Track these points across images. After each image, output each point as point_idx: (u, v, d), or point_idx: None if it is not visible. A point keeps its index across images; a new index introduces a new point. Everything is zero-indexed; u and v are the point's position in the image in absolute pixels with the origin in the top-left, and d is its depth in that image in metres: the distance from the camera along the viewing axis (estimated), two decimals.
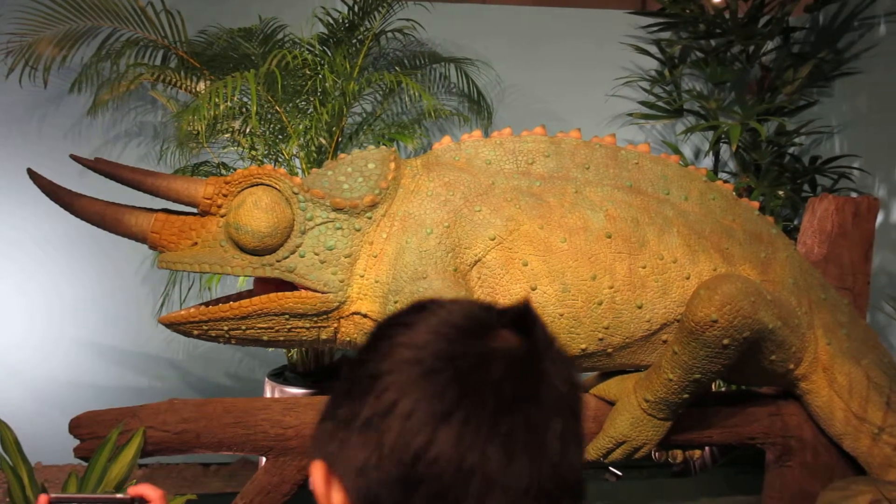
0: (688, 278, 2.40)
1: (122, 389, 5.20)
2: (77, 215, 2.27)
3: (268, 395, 4.12)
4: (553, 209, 2.36)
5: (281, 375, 4.26)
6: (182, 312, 2.29)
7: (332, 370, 4.23)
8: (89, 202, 2.25)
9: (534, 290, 2.27)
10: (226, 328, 2.25)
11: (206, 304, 2.31)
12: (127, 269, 5.05)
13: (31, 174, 2.27)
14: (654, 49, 5.04)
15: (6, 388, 5.14)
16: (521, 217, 2.32)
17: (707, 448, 4.09)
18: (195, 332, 2.28)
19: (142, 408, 2.38)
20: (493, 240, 2.28)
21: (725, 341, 2.16)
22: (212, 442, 2.35)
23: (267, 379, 4.25)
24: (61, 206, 2.27)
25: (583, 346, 2.34)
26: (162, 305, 4.52)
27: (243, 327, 2.24)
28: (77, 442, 2.38)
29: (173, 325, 2.27)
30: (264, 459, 4.29)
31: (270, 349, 4.29)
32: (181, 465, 5.12)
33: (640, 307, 2.36)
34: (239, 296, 2.34)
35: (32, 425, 3.95)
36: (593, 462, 2.53)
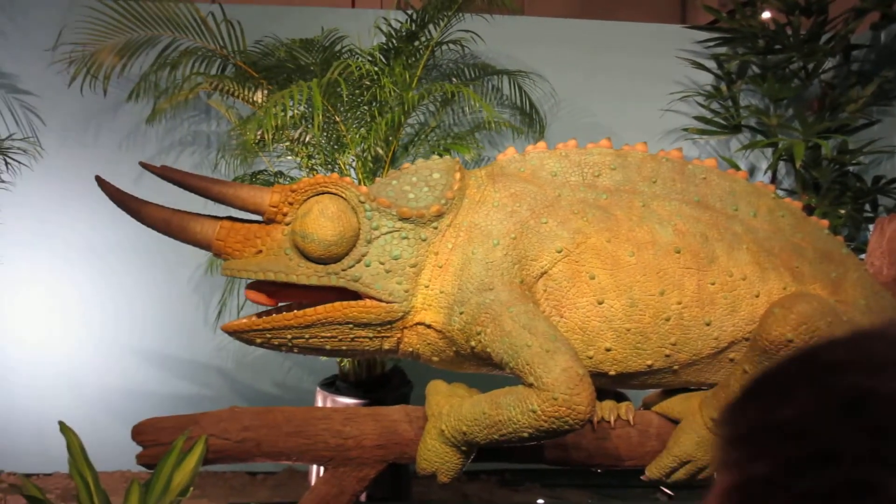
0: (757, 296, 2.34)
1: (172, 397, 5.24)
2: (144, 222, 2.28)
3: (319, 404, 4.11)
4: (621, 223, 2.32)
5: (332, 385, 4.25)
6: (244, 321, 2.28)
7: (383, 380, 4.21)
8: (156, 209, 2.26)
9: (601, 304, 2.23)
10: (289, 336, 2.23)
11: (268, 312, 2.31)
12: (179, 278, 5.10)
13: (100, 181, 2.28)
14: (710, 64, 4.97)
15: (61, 394, 5.22)
16: (588, 230, 2.28)
17: None
18: (258, 340, 2.27)
19: (203, 415, 2.38)
20: (559, 252, 2.25)
21: None
22: (272, 451, 2.34)
23: (318, 388, 4.25)
24: (129, 213, 2.28)
25: (649, 363, 2.29)
26: (219, 314, 4.55)
27: (306, 336, 2.23)
28: (137, 449, 2.39)
29: (236, 334, 2.27)
30: (315, 469, 4.31)
31: (324, 358, 4.29)
32: (228, 473, 5.14)
33: (708, 324, 2.30)
34: (300, 305, 2.33)
35: (85, 431, 4.01)
36: (654, 481, 2.46)
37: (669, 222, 2.36)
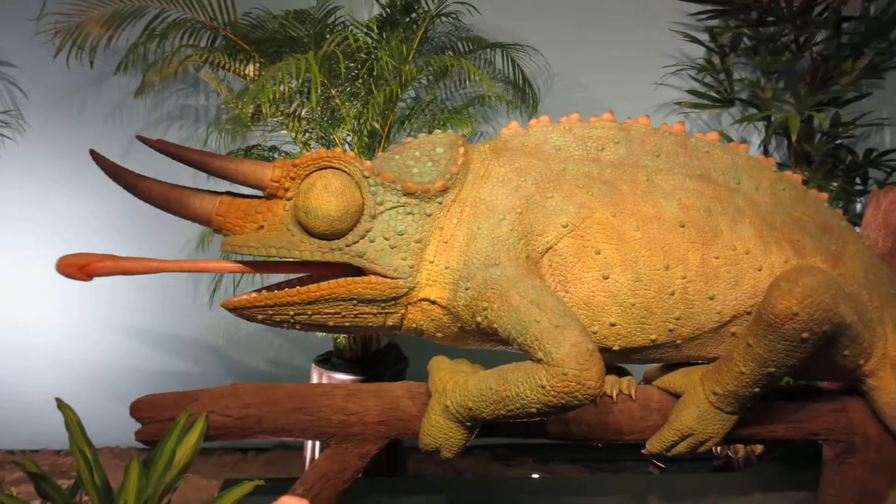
0: (760, 270, 2.34)
1: (162, 374, 5.22)
2: (141, 197, 2.23)
3: (314, 380, 4.10)
4: (625, 197, 2.30)
5: (327, 361, 4.24)
6: (244, 297, 2.25)
7: (379, 356, 4.20)
8: (154, 184, 2.21)
9: (606, 278, 2.22)
10: (291, 313, 2.21)
11: (269, 288, 2.28)
12: (168, 254, 5.04)
13: (94, 155, 2.23)
14: (703, 37, 4.94)
15: (50, 371, 5.18)
16: (593, 204, 2.26)
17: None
18: (259, 317, 2.24)
19: (203, 392, 2.36)
20: (565, 227, 2.23)
21: (805, 335, 2.10)
22: (274, 427, 2.33)
23: (314, 365, 4.23)
24: (125, 187, 2.23)
25: (653, 337, 2.29)
26: (214, 291, 4.51)
27: (309, 312, 2.20)
28: (125, 424, 2.36)
29: (237, 310, 2.24)
30: (310, 445, 4.31)
31: (320, 335, 4.26)
32: (219, 450, 5.14)
33: (711, 298, 2.30)
34: (300, 281, 2.30)
35: (75, 408, 3.98)
36: (653, 455, 2.48)
37: (674, 196, 2.35)
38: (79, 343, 5.17)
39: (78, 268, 2.13)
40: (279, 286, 2.26)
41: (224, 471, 4.86)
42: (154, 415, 2.33)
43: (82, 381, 5.16)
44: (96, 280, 4.87)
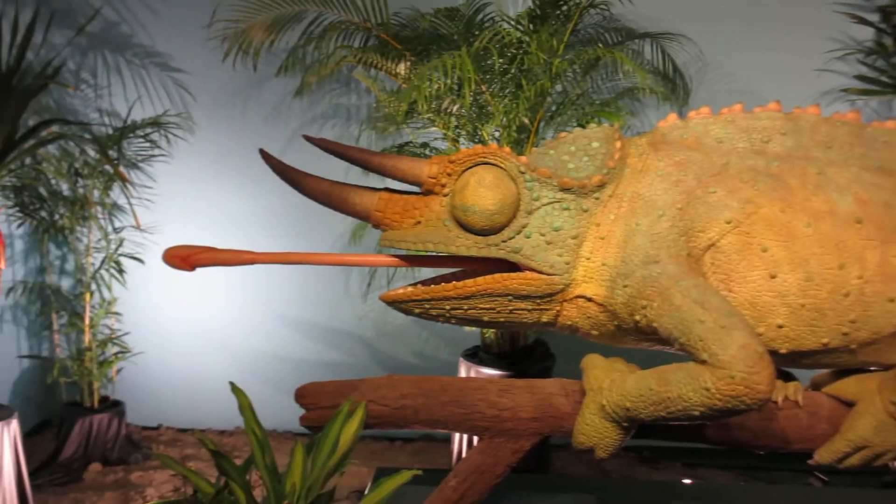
0: None
1: (315, 363, 5.44)
2: (305, 194, 2.32)
3: (462, 374, 4.15)
4: (795, 191, 2.18)
5: (475, 356, 4.28)
6: (401, 290, 2.29)
7: (527, 352, 4.20)
8: (316, 181, 2.29)
9: (773, 277, 2.11)
10: (447, 307, 2.23)
11: (424, 283, 2.31)
12: (322, 247, 5.25)
13: (263, 154, 2.34)
14: (873, 17, 4.60)
15: (217, 358, 5.53)
16: (759, 199, 2.15)
17: None
18: (416, 311, 2.28)
19: (361, 381, 2.43)
20: (729, 223, 2.14)
21: None
22: (429, 419, 2.36)
23: (461, 359, 4.28)
24: (290, 184, 2.33)
25: (824, 341, 2.15)
26: (369, 284, 4.66)
27: (465, 307, 2.22)
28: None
29: (395, 303, 2.29)
30: (457, 437, 4.37)
31: (468, 329, 4.31)
32: (367, 438, 5.30)
33: (891, 300, 2.13)
34: (454, 276, 2.33)
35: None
36: (822, 466, 2.33)
37: (848, 190, 2.19)
38: (241, 331, 5.49)
39: (181, 258, 2.24)
40: (433, 280, 2.30)
41: (373, 458, 5.01)
42: (316, 402, 2.42)
43: (244, 367, 5.47)
44: (257, 273, 5.15)
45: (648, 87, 4.34)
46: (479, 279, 2.18)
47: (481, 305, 2.21)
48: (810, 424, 2.34)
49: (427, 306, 2.26)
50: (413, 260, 2.39)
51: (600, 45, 4.25)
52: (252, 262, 2.27)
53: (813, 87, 4.79)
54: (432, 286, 2.24)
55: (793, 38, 4.81)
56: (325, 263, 2.40)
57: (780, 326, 2.13)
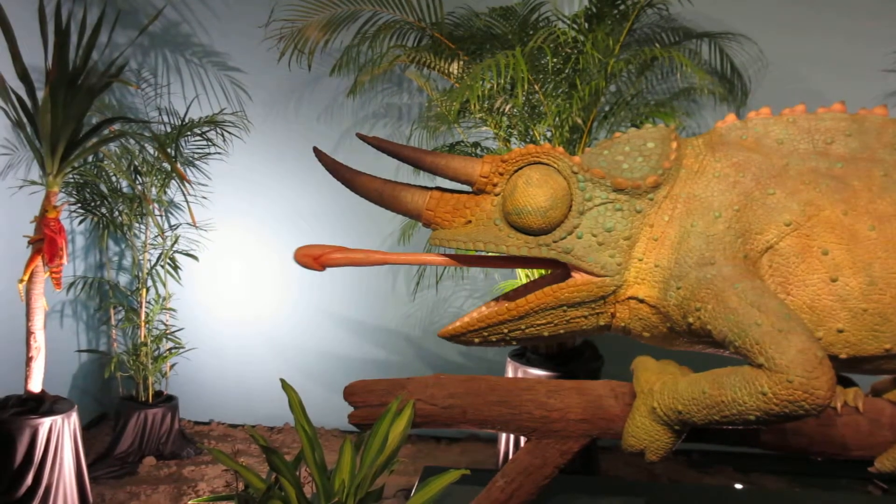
0: None
1: (363, 361, 5.48)
2: (358, 192, 2.33)
3: (510, 374, 4.13)
4: (859, 194, 2.12)
5: (523, 356, 4.26)
6: (458, 324, 2.28)
7: (575, 354, 4.16)
8: (369, 180, 2.31)
9: (834, 281, 2.05)
10: (506, 330, 2.23)
11: (479, 310, 2.30)
12: (371, 246, 5.27)
13: (318, 153, 2.36)
14: None
15: (267, 355, 5.60)
16: (821, 201, 2.10)
17: None
18: (476, 340, 2.27)
19: (410, 380, 2.44)
20: (788, 225, 2.09)
21: None
22: (477, 419, 2.36)
23: (509, 359, 4.27)
24: (343, 182, 2.35)
25: (887, 346, 2.09)
26: (417, 283, 4.67)
27: (523, 326, 2.21)
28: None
29: (454, 337, 2.28)
30: (503, 438, 4.35)
31: None
32: (413, 436, 5.31)
33: None
34: (506, 297, 2.31)
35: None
36: (886, 474, 2.26)
37: None
38: (291, 329, 5.56)
39: (313, 258, 2.25)
40: (487, 306, 2.28)
41: (419, 457, 5.02)
42: (365, 400, 2.43)
43: (293, 364, 5.53)
44: (306, 272, 5.22)
45: (706, 88, 4.26)
46: (531, 296, 2.17)
47: (538, 321, 2.20)
48: (871, 431, 2.28)
49: (486, 334, 2.25)
50: (467, 260, 2.38)
51: (657, 44, 4.18)
52: (383, 263, 2.29)
53: (880, 87, 4.66)
54: (485, 312, 2.23)
55: (858, 37, 4.68)
56: (426, 264, 2.41)
57: (841, 331, 2.08)
